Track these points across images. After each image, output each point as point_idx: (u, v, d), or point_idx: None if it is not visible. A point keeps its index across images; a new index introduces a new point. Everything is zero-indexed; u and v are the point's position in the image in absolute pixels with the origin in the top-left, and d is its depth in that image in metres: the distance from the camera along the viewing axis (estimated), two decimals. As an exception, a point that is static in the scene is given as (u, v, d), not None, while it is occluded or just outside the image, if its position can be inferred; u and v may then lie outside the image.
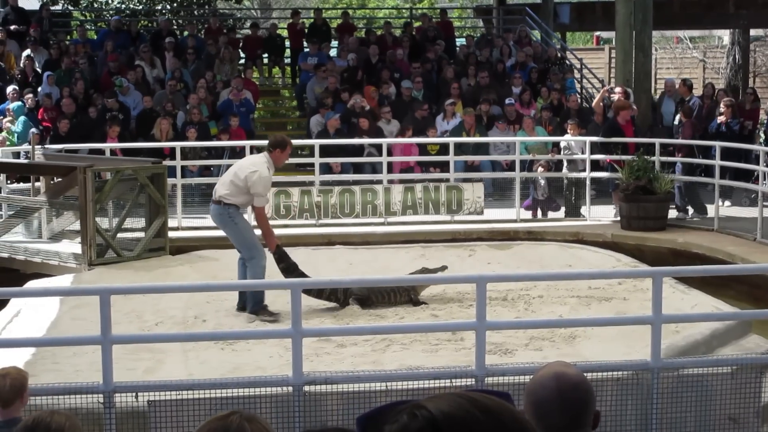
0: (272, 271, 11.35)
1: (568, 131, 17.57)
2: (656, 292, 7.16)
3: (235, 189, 10.79)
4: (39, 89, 20.83)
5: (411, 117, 19.71)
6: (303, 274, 11.06)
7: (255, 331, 9.23)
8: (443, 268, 11.67)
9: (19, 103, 19.71)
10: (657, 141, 16.65)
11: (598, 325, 9.20)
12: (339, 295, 11.11)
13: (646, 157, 15.86)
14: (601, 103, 18.38)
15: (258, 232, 11.29)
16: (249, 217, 11.62)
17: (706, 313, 9.81)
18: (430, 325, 9.78)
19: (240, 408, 2.93)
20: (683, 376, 7.34)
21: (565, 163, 17.41)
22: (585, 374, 6.79)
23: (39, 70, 21.94)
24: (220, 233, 11.83)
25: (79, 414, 6.89)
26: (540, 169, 17.28)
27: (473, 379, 6.94)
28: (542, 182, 17.23)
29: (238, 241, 11.01)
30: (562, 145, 17.60)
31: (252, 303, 10.71)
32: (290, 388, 6.88)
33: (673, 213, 16.58)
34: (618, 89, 18.58)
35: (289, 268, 11.07)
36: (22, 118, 19.14)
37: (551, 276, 11.17)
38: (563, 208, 17.28)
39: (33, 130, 18.01)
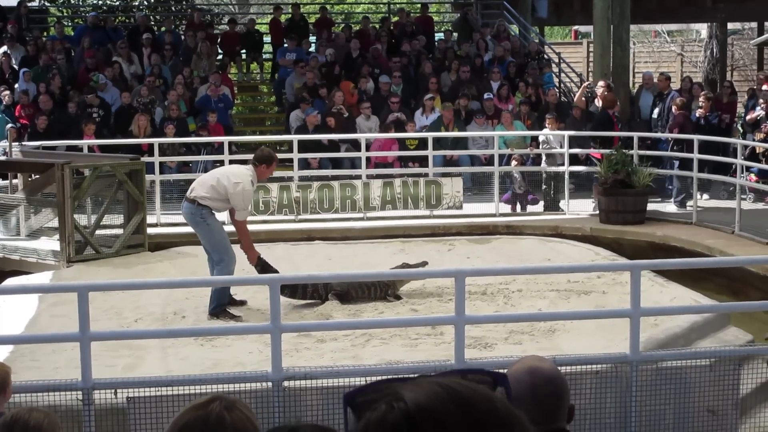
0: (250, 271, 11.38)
1: (547, 125, 17.60)
2: (635, 285, 7.18)
3: (215, 193, 10.57)
4: (16, 86, 20.73)
5: (388, 111, 19.72)
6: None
7: (234, 327, 9.22)
8: (424, 263, 11.68)
9: (-3, 101, 19.63)
10: (635, 135, 16.73)
11: (577, 318, 9.23)
12: (321, 292, 11.10)
13: (624, 150, 15.93)
14: (583, 98, 18.39)
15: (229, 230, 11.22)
16: (221, 217, 11.42)
17: (685, 306, 9.85)
18: (410, 319, 9.77)
19: (220, 393, 2.86)
20: (662, 369, 7.37)
21: (543, 158, 17.44)
22: (564, 368, 6.81)
23: (16, 66, 21.84)
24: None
25: (58, 411, 6.86)
26: (514, 163, 17.33)
27: (453, 374, 6.94)
28: (518, 176, 17.27)
29: (209, 243, 10.78)
30: (540, 139, 17.64)
31: (214, 304, 10.50)
32: (270, 384, 6.87)
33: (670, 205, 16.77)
34: (601, 83, 18.63)
35: None
36: (-1, 115, 19.02)
37: (530, 270, 11.17)
38: (542, 202, 17.32)
39: (9, 125, 17.89)
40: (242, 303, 10.94)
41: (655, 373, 7.34)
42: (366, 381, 6.91)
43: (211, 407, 2.64)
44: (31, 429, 4.19)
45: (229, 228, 11.24)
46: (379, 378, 1.84)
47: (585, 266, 11.64)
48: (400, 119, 19.16)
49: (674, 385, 7.28)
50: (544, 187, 17.30)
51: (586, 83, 18.71)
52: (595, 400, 7.14)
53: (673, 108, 18.06)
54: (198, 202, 10.61)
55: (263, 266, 10.91)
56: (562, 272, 11.32)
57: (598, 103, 18.11)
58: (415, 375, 1.85)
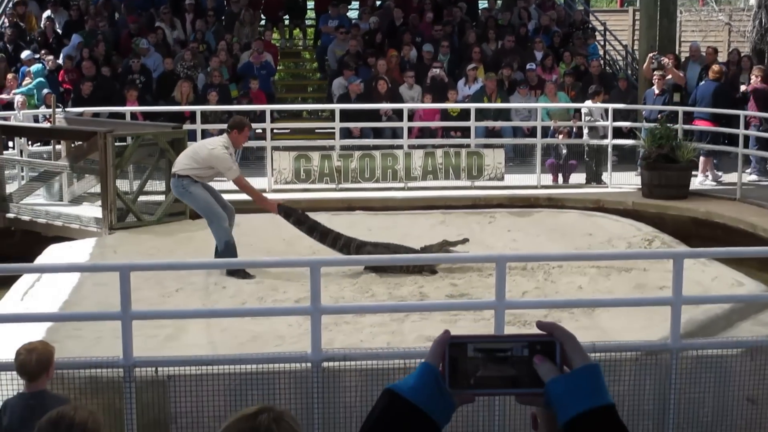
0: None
1: (591, 99, 17.46)
2: (677, 273, 7.09)
3: (193, 162, 11.27)
4: (62, 51, 20.76)
5: (429, 80, 19.64)
6: (316, 223, 11.57)
7: (274, 308, 9.24)
8: (465, 240, 11.67)
9: (39, 65, 19.63)
10: (680, 109, 16.55)
11: (617, 305, 9.14)
12: (351, 251, 11.25)
13: (669, 125, 15.76)
14: (652, 68, 18.01)
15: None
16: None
17: (727, 295, 9.68)
18: (450, 303, 9.76)
19: (268, 404, 2.86)
20: (702, 357, 7.32)
21: (585, 130, 17.31)
22: (604, 354, 6.79)
23: (59, 31, 21.90)
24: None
25: (99, 382, 6.95)
26: (560, 136, 17.21)
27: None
28: (564, 149, 17.20)
29: (198, 208, 11.49)
30: (583, 111, 17.50)
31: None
32: (309, 365, 6.91)
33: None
34: (670, 56, 18.33)
35: (300, 220, 11.57)
36: (38, 79, 18.99)
37: (571, 256, 11.14)
38: (584, 174, 17.19)
39: (46, 91, 17.93)
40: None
41: (694, 360, 7.30)
42: (404, 363, 6.92)
43: (259, 419, 2.65)
44: (76, 427, 4.23)
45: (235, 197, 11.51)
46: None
47: (627, 253, 11.54)
48: (440, 76, 19.11)
49: (714, 373, 7.24)
50: (586, 159, 17.19)
51: (652, 54, 18.30)
52: (635, 387, 7.12)
53: (757, 82, 17.81)
54: (178, 174, 11.27)
55: (287, 211, 11.56)
56: (603, 259, 11.26)
57: (669, 75, 17.76)
58: None
